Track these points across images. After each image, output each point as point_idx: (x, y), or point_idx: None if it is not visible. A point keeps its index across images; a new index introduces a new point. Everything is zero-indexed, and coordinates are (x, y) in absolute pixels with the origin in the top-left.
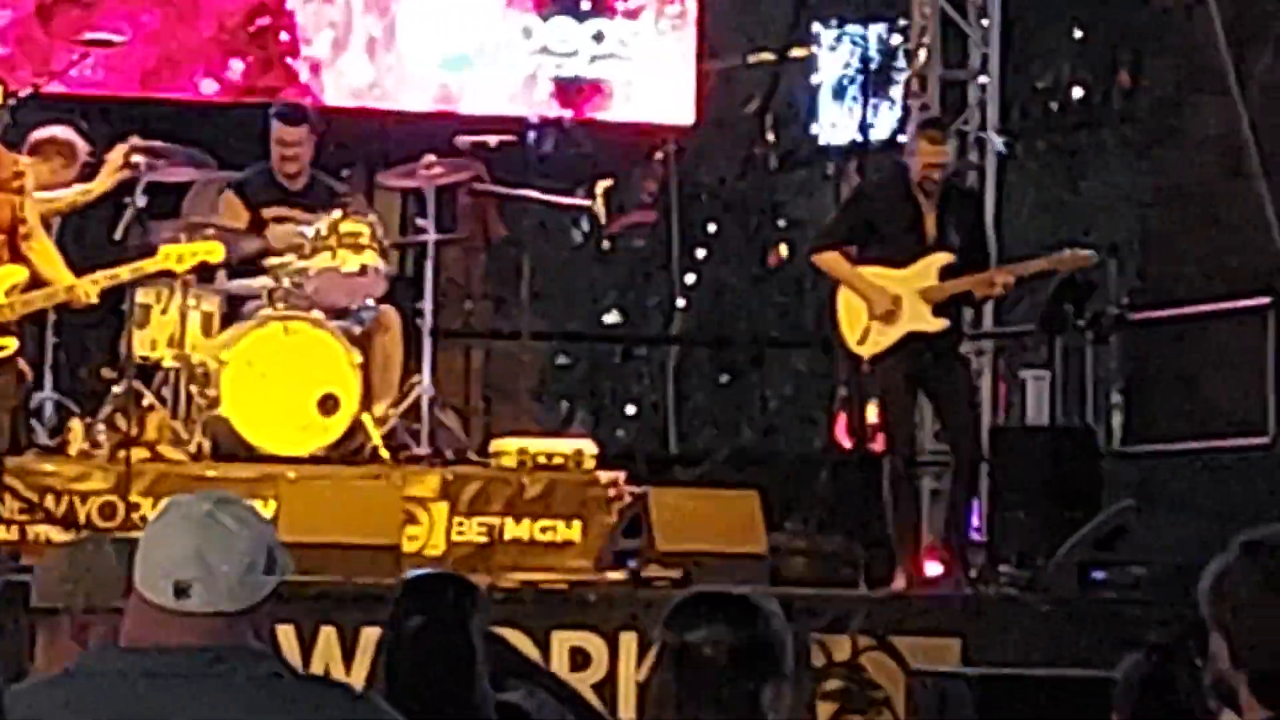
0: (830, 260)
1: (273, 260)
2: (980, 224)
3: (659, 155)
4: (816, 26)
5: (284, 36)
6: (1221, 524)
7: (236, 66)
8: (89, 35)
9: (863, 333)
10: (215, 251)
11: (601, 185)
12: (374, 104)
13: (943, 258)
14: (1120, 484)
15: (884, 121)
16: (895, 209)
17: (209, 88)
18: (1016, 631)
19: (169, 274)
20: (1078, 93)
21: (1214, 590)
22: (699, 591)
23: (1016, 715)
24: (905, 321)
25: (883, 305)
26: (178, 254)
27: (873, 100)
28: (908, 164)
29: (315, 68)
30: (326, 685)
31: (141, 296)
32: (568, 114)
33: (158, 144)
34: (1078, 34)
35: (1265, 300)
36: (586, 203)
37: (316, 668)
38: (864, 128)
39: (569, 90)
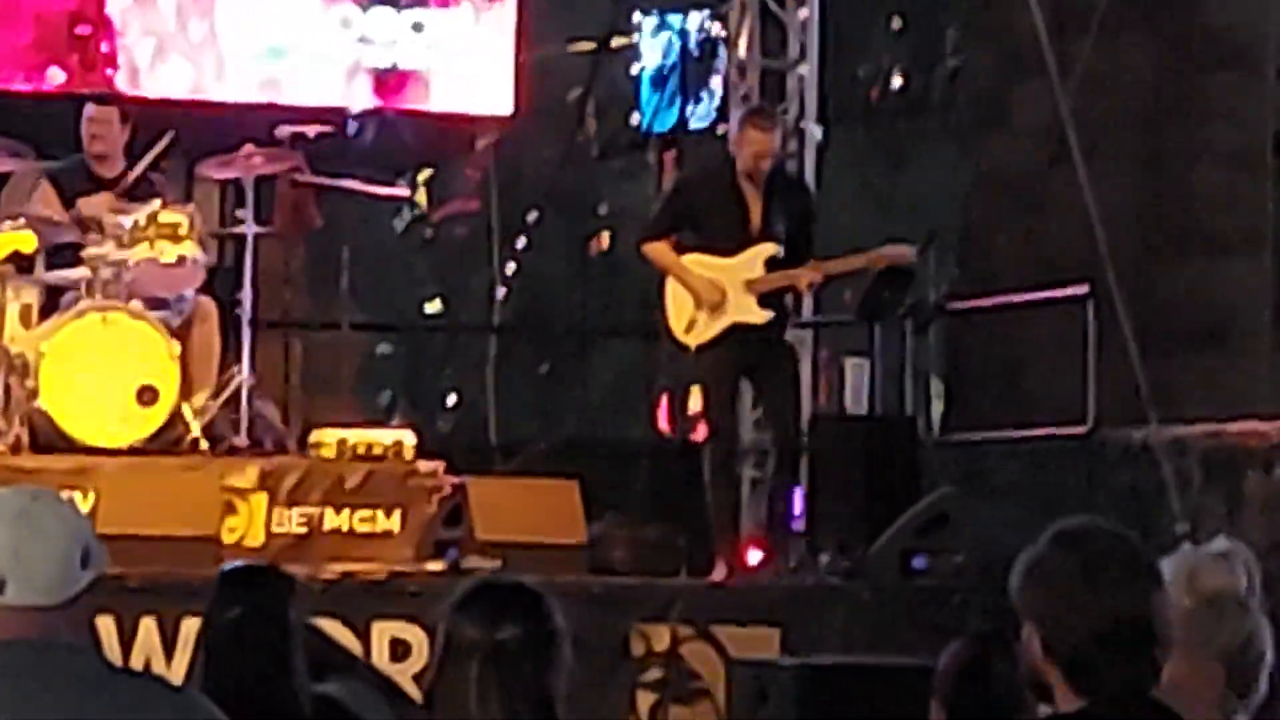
0: (657, 250)
1: (90, 251)
2: (807, 214)
3: (479, 145)
4: (637, 15)
5: (104, 48)
6: (1041, 512)
7: (55, 75)
8: None
9: (689, 322)
10: (27, 241)
11: (423, 175)
12: (193, 95)
13: (768, 248)
14: (941, 473)
15: (704, 110)
16: (721, 199)
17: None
18: (837, 620)
19: None
20: (897, 82)
21: (1025, 580)
22: (475, 584)
23: (837, 704)
24: (731, 313)
25: (709, 297)
26: None
27: (693, 89)
28: (733, 153)
29: (134, 73)
30: (144, 679)
31: None
32: (387, 104)
33: None
34: (897, 23)
35: (1084, 289)
36: (406, 193)
37: (137, 660)
38: (684, 117)
39: (388, 80)
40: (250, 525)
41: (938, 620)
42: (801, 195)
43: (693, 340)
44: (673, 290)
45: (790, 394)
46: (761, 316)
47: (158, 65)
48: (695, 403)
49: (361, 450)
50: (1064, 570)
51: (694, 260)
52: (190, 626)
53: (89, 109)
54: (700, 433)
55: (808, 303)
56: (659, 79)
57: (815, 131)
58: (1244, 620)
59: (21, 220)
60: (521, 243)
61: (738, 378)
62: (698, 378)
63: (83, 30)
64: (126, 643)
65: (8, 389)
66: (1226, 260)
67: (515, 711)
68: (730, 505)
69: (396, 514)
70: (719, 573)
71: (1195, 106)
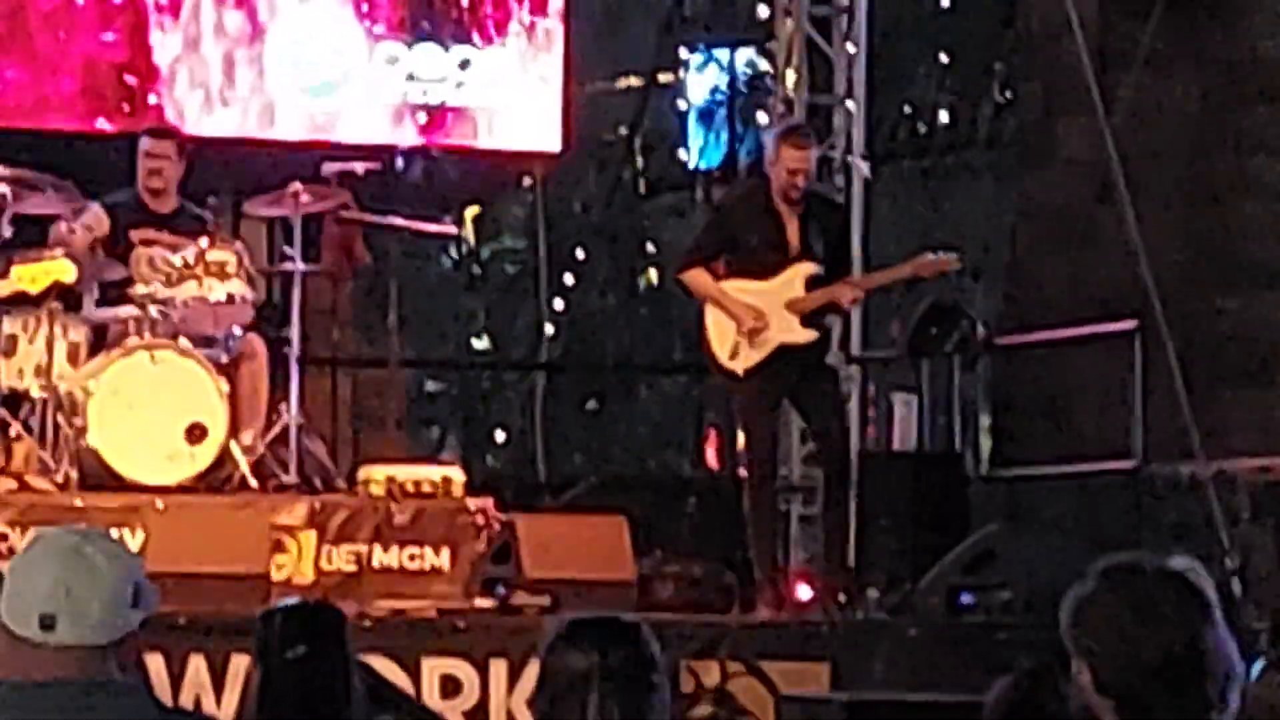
0: (696, 278)
1: (139, 289)
2: (845, 234)
3: (527, 182)
4: (683, 51)
5: (152, 99)
6: (1089, 548)
7: (103, 125)
8: None
9: (733, 348)
10: (66, 271)
11: (470, 212)
12: (241, 133)
13: (808, 268)
14: (988, 508)
15: (751, 146)
16: (757, 221)
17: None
18: (885, 656)
19: (28, 299)
20: (944, 117)
21: (1075, 617)
22: (576, 618)
23: None
24: (775, 334)
25: (750, 320)
26: (30, 274)
27: (740, 125)
28: (769, 174)
29: (182, 123)
30: (195, 718)
31: (8, 326)
32: (435, 141)
33: (23, 173)
34: (944, 58)
35: (1131, 324)
36: (454, 230)
37: (186, 697)
38: (732, 152)
39: (436, 117)
40: (299, 563)
41: (985, 657)
42: (837, 214)
43: (739, 366)
44: (713, 317)
45: (836, 418)
46: (806, 336)
47: (204, 117)
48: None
49: (410, 487)
50: (1114, 606)
51: (733, 286)
52: (239, 664)
53: (145, 142)
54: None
55: (855, 336)
56: (706, 115)
57: (862, 167)
58: None
59: (59, 251)
60: (569, 279)
61: (777, 407)
62: (736, 409)
63: (131, 80)
64: (175, 680)
65: (56, 427)
66: (1273, 294)
67: None
68: (770, 540)
69: (445, 551)
70: (761, 611)
71: (1240, 140)
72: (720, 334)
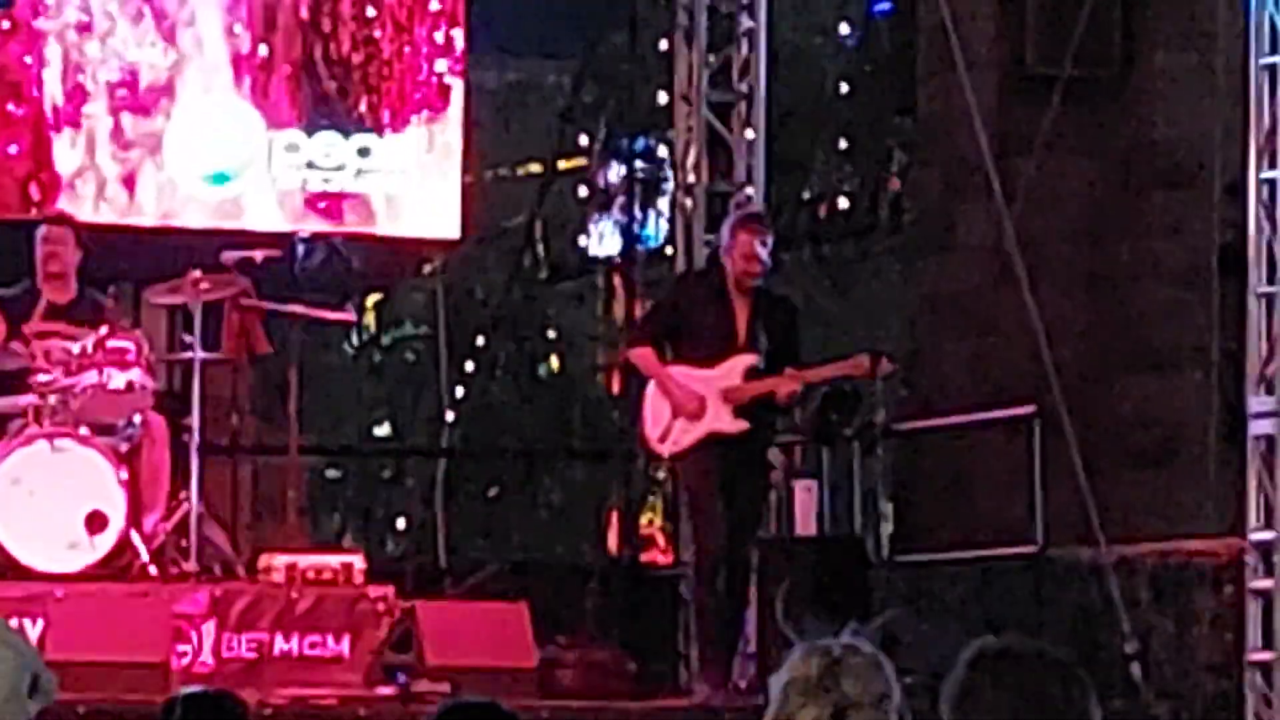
0: (643, 357)
1: (39, 378)
2: (793, 331)
3: (427, 269)
4: (584, 138)
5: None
6: (992, 631)
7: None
8: None
9: (664, 431)
10: None
11: (371, 299)
12: (139, 221)
13: (748, 359)
14: (890, 593)
15: (651, 232)
16: (710, 305)
17: None
18: None
19: None
20: (844, 203)
21: (954, 704)
22: (460, 701)
23: None
24: (707, 421)
25: (687, 406)
26: None
27: (640, 212)
28: (724, 260)
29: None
30: None
31: None
32: (333, 229)
33: None
34: (843, 144)
35: (1030, 409)
36: (354, 317)
37: None
38: (631, 239)
39: (334, 205)
40: (200, 651)
41: None
42: (786, 311)
43: (667, 449)
44: (653, 399)
45: (757, 513)
46: (735, 426)
47: (102, 204)
48: (646, 523)
49: (311, 575)
50: (991, 693)
51: (678, 371)
52: None
53: (43, 229)
54: (651, 553)
55: None
56: (606, 202)
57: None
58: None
59: None
60: (470, 366)
61: (720, 486)
62: (684, 489)
63: (34, 191)
64: None
65: None
66: (1173, 378)
67: None
68: (715, 622)
69: (346, 638)
70: (700, 695)
71: (1139, 224)
72: (655, 414)
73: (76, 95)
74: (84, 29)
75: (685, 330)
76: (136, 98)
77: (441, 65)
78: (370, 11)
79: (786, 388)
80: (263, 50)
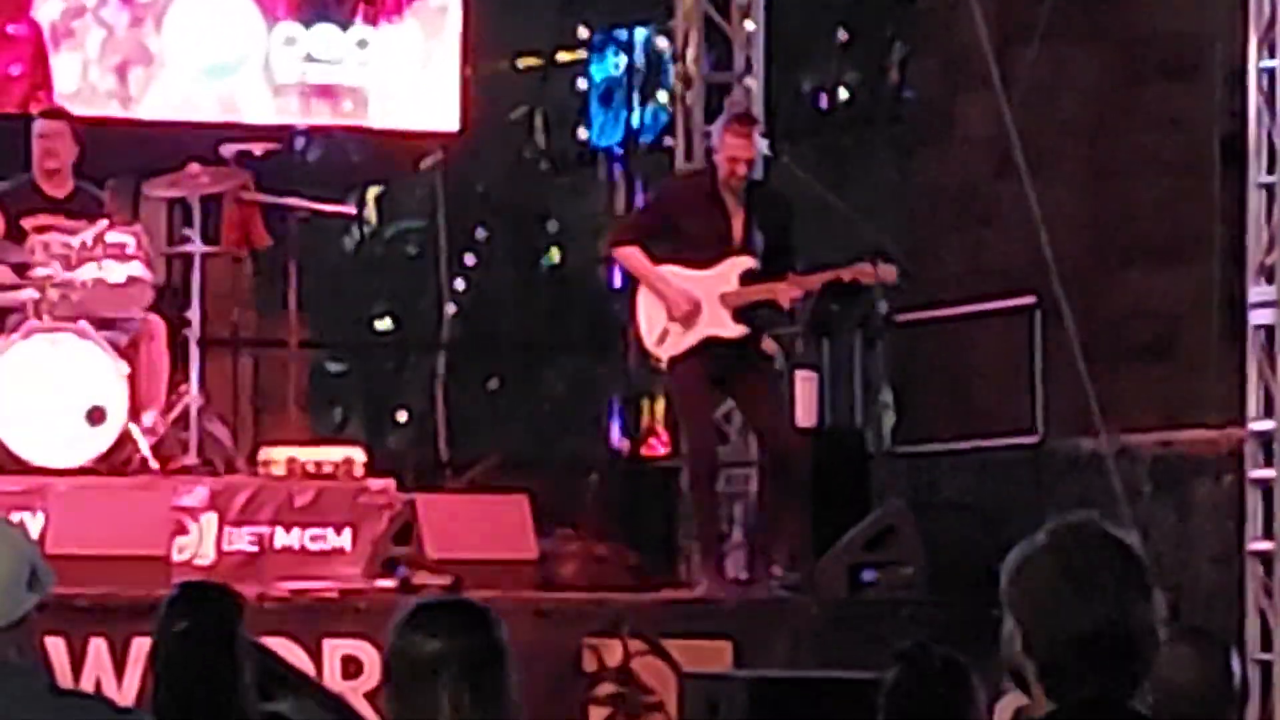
0: (630, 256)
1: (37, 271)
2: (788, 229)
3: (427, 162)
4: (582, 30)
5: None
6: (992, 523)
7: None
8: None
9: (661, 333)
10: None
11: (372, 192)
12: (139, 112)
13: (745, 261)
14: (890, 485)
15: (650, 124)
16: (700, 209)
17: None
18: (788, 633)
19: None
20: (843, 94)
21: (1011, 575)
22: (422, 602)
23: (788, 717)
24: (704, 325)
25: (682, 308)
26: None
27: (640, 103)
28: (715, 161)
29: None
30: (91, 701)
31: None
32: (332, 121)
33: None
34: (843, 36)
35: (1030, 300)
36: (354, 211)
37: (87, 680)
38: (631, 131)
39: (333, 97)
40: (200, 544)
41: (887, 633)
42: (782, 209)
43: (664, 352)
44: (645, 300)
45: (774, 409)
46: (735, 331)
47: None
48: (647, 417)
49: (311, 468)
50: (1048, 570)
51: (669, 271)
52: (140, 646)
53: (39, 124)
54: (653, 447)
55: None
56: (606, 94)
57: (761, 145)
58: None
59: None
60: (470, 259)
61: (712, 389)
62: (673, 392)
63: (14, 70)
64: (77, 663)
65: None
66: (1173, 270)
67: None
68: (712, 521)
69: (347, 532)
70: (701, 589)
71: (1139, 115)
72: (649, 317)
73: (71, 12)
74: None
75: (677, 231)
76: (132, 6)
77: None
78: None
79: (788, 295)
80: None
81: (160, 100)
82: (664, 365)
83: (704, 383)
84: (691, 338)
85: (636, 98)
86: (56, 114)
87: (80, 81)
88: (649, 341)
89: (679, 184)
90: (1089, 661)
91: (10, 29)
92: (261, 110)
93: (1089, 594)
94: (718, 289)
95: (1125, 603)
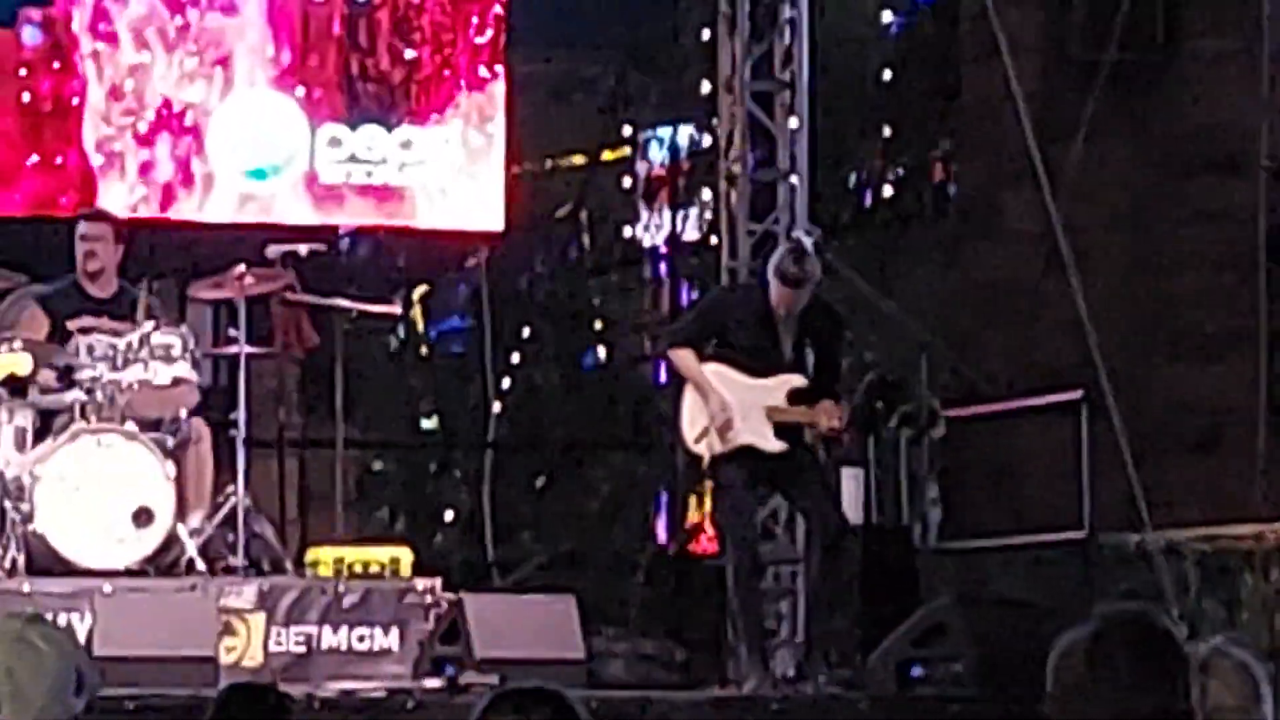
0: (683, 358)
1: (85, 374)
2: (837, 343)
3: (471, 261)
4: (627, 129)
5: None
6: (1040, 618)
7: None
8: None
9: (701, 432)
10: (21, 364)
11: (417, 292)
12: (183, 212)
13: (794, 380)
14: (938, 581)
15: (695, 222)
16: (752, 326)
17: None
18: None
19: None
20: (888, 190)
21: (1051, 665)
22: (509, 688)
23: None
24: (745, 435)
25: (724, 415)
26: None
27: (684, 201)
28: (770, 285)
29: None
30: None
31: None
32: (377, 222)
33: None
34: (886, 131)
35: (1076, 395)
36: (398, 310)
37: None
38: (676, 229)
39: (378, 198)
40: (248, 645)
41: None
42: (834, 326)
43: (704, 451)
44: (691, 398)
45: (822, 494)
46: (775, 446)
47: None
48: (694, 513)
49: (358, 568)
50: (1078, 659)
51: (715, 372)
52: None
53: (82, 226)
54: (700, 544)
55: None
56: (650, 192)
57: (807, 242)
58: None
59: (19, 343)
60: (516, 358)
61: (756, 486)
62: (720, 489)
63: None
64: None
65: (3, 512)
66: (1218, 364)
67: None
68: (759, 617)
69: (394, 631)
70: (749, 686)
71: (1183, 209)
72: (692, 416)
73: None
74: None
75: (730, 338)
76: (174, 126)
77: (484, 58)
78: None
79: (829, 422)
80: (306, 59)
81: (205, 201)
82: (706, 464)
83: (746, 480)
84: (730, 444)
85: (681, 196)
86: (99, 216)
87: (126, 199)
88: (689, 438)
89: (731, 297)
90: None
91: (58, 160)
92: (306, 211)
93: (1121, 684)
94: (765, 401)
95: (1159, 695)
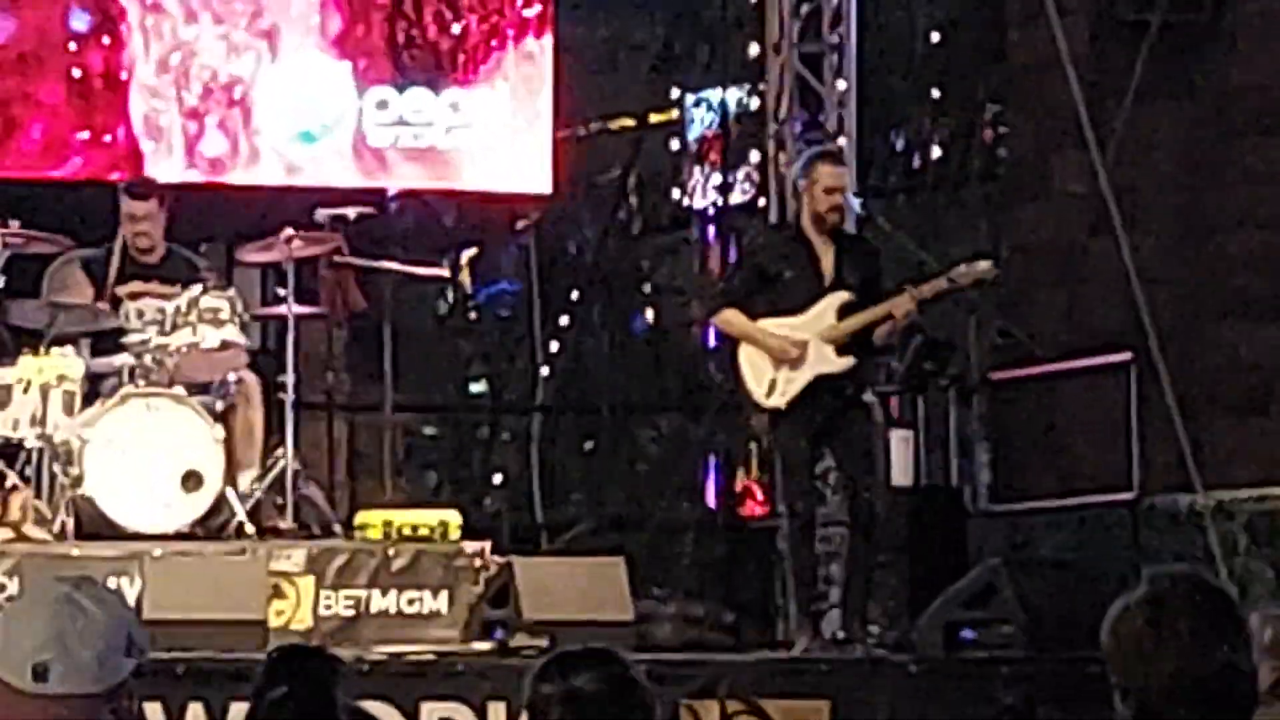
0: (729, 318)
1: (133, 337)
2: (877, 276)
3: (520, 224)
4: (675, 91)
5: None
6: (1089, 580)
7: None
8: None
9: (769, 385)
10: (75, 366)
11: (466, 255)
12: (231, 179)
13: (841, 296)
14: (987, 543)
15: (744, 185)
16: (789, 254)
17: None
18: (886, 692)
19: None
20: (936, 153)
21: (1108, 626)
22: (562, 650)
23: None
24: (811, 365)
25: (789, 353)
26: (38, 366)
27: (733, 164)
28: (801, 199)
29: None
30: None
31: (3, 376)
32: (425, 185)
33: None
34: (935, 93)
35: (1126, 356)
36: (446, 273)
37: None
38: (725, 191)
39: (427, 161)
40: (297, 608)
41: (986, 692)
42: (870, 252)
43: (779, 401)
44: (747, 356)
45: (867, 468)
46: (841, 364)
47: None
48: (743, 476)
49: (407, 531)
50: (1144, 620)
51: (767, 323)
52: (238, 711)
53: (127, 204)
54: (751, 507)
55: None
56: (699, 154)
57: (854, 203)
58: None
59: (69, 349)
60: (564, 321)
61: (816, 444)
62: (775, 447)
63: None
64: None
65: (52, 476)
66: (1268, 324)
67: None
68: (809, 579)
69: (443, 594)
70: (798, 648)
71: (1233, 170)
72: (755, 373)
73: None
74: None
75: (769, 282)
76: (222, 99)
77: (532, 27)
78: None
79: (904, 305)
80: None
81: (252, 164)
82: (781, 413)
83: (806, 440)
84: (801, 380)
85: (730, 158)
86: (143, 193)
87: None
88: (758, 395)
89: (765, 235)
90: (1184, 710)
91: (107, 137)
92: (354, 174)
93: (1183, 643)
94: (817, 329)
95: (1220, 652)
